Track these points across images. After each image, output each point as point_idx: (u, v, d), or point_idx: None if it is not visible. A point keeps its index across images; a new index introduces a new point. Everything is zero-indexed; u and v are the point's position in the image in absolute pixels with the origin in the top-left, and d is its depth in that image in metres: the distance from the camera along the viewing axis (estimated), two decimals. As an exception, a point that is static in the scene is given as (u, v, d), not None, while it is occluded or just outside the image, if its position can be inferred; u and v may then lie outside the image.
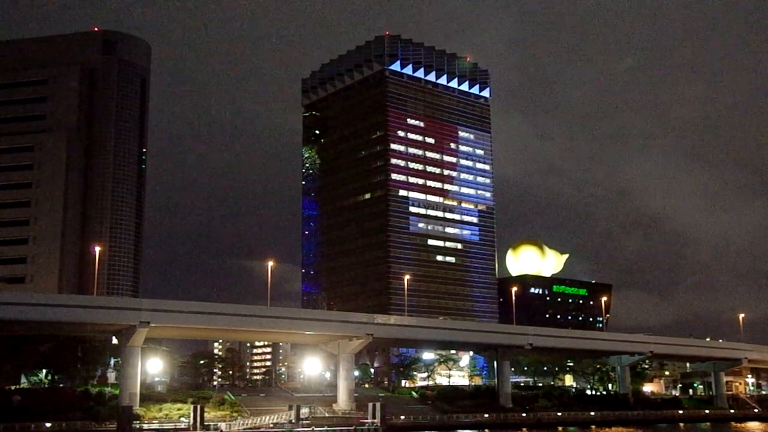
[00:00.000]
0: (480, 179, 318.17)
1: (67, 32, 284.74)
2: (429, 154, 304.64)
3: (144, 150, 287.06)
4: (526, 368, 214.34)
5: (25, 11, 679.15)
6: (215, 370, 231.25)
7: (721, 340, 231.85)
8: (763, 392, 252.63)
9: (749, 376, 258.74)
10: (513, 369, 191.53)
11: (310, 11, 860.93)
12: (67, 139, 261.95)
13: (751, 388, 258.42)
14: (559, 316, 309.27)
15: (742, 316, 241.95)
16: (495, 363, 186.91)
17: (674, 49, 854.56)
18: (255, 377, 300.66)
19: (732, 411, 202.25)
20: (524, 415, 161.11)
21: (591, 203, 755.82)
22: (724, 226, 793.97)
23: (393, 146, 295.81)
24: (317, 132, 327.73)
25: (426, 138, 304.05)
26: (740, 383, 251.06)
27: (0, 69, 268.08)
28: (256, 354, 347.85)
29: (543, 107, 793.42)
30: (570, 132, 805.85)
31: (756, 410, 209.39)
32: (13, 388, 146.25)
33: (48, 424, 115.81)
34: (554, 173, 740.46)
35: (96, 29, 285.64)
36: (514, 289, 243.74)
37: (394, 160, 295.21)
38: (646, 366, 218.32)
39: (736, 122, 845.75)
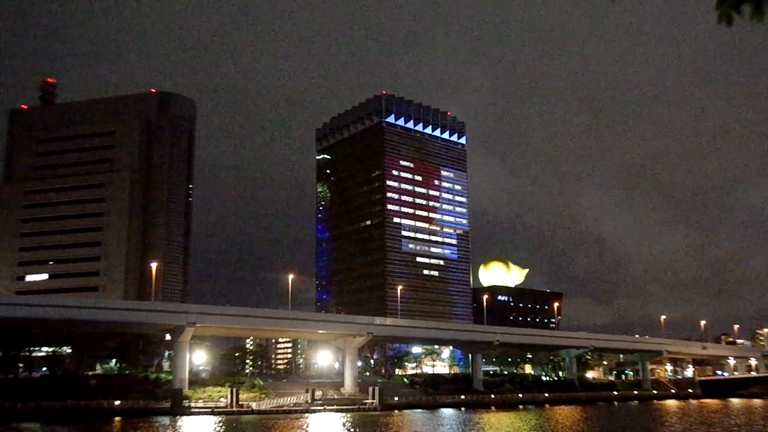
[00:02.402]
0: (458, 209, 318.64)
1: (130, 93, 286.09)
2: (417, 189, 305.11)
3: (191, 186, 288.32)
4: (494, 359, 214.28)
5: (100, 75, 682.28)
6: (247, 361, 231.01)
7: (646, 336, 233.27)
8: (679, 377, 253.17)
9: (668, 364, 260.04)
10: (484, 360, 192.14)
11: (324, 75, 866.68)
12: (130, 178, 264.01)
13: (670, 374, 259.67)
14: (521, 318, 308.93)
15: (663, 317, 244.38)
16: (470, 355, 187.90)
17: (616, 109, 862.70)
18: (279, 367, 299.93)
19: (655, 392, 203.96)
20: (493, 396, 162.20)
21: (548, 228, 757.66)
22: (652, 247, 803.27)
23: (389, 183, 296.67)
24: (328, 171, 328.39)
25: (415, 176, 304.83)
26: (661, 370, 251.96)
27: (79, 122, 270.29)
28: (280, 348, 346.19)
29: (510, 150, 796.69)
30: (532, 170, 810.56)
31: (673, 391, 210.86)
32: (90, 373, 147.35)
33: (117, 402, 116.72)
34: (519, 204, 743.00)
35: (153, 91, 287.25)
36: (485, 296, 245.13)
37: (389, 194, 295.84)
38: (589, 357, 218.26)
39: (662, 164, 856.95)
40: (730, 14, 6.24)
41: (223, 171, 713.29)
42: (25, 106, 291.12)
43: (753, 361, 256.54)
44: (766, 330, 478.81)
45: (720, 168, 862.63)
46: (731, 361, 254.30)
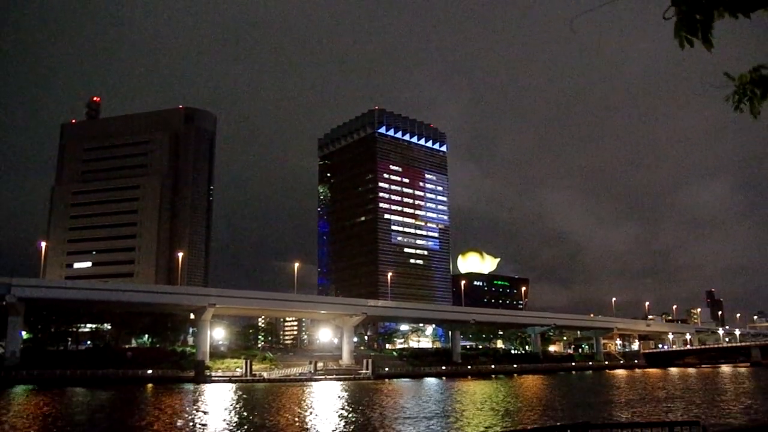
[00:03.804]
0: (440, 207, 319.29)
1: (161, 108, 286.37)
2: (405, 190, 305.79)
3: (211, 187, 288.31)
4: (471, 336, 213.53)
5: (135, 92, 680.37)
6: (259, 337, 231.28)
7: (600, 316, 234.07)
8: (627, 350, 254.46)
9: (618, 339, 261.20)
10: (462, 336, 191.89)
11: (326, 92, 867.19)
12: (161, 181, 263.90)
13: (619, 347, 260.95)
14: (493, 301, 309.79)
15: (614, 299, 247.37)
16: (450, 332, 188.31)
17: (576, 119, 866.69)
18: (286, 342, 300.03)
19: (606, 363, 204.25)
20: (469, 367, 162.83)
21: (518, 223, 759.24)
22: (605, 239, 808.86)
23: (380, 184, 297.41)
24: (328, 174, 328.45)
25: (403, 179, 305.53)
26: (612, 344, 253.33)
27: (118, 134, 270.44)
28: (287, 326, 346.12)
29: (486, 156, 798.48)
30: (504, 173, 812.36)
31: (621, 362, 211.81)
32: (126, 347, 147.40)
33: (149, 371, 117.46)
34: (493, 202, 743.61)
35: (180, 107, 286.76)
36: (463, 282, 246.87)
37: (381, 194, 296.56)
38: (551, 333, 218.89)
39: (615, 167, 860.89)
40: (689, 39, 6.31)
41: (239, 174, 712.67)
42: (74, 121, 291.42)
43: (688, 336, 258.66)
44: (699, 310, 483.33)
45: (665, 171, 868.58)
46: (670, 336, 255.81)
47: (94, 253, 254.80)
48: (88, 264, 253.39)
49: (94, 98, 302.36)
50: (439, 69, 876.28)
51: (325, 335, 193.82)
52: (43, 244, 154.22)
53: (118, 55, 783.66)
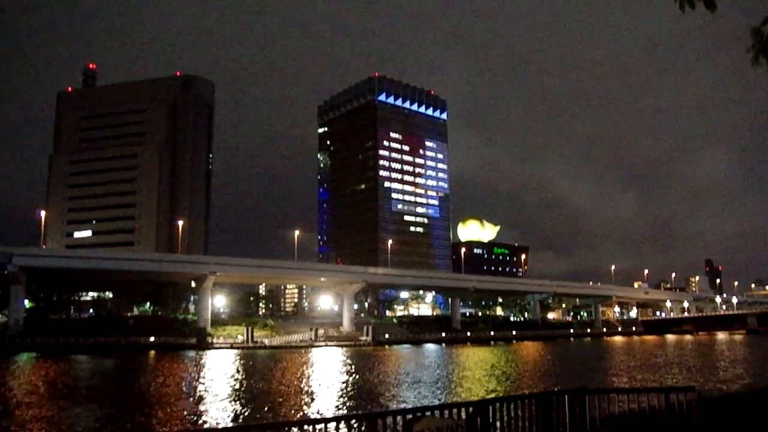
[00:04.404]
0: (440, 174, 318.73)
1: (159, 76, 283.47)
2: (405, 158, 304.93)
3: (211, 155, 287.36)
4: (470, 303, 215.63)
5: (132, 59, 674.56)
6: (260, 304, 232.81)
7: (599, 284, 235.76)
8: (625, 317, 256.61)
9: (616, 307, 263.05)
10: (462, 303, 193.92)
11: (325, 59, 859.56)
12: (159, 149, 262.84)
13: (617, 314, 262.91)
14: (493, 268, 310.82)
15: (613, 267, 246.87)
16: (449, 299, 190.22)
17: (578, 86, 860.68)
18: (287, 309, 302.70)
19: (604, 330, 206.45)
20: (469, 334, 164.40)
21: (518, 190, 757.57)
22: (606, 207, 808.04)
23: (380, 152, 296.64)
24: (328, 142, 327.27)
25: (403, 147, 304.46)
26: (611, 312, 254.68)
27: (115, 102, 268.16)
28: (288, 293, 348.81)
29: (486, 124, 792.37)
30: (505, 141, 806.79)
31: (619, 329, 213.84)
32: (128, 315, 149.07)
33: (151, 339, 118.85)
34: (494, 170, 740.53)
35: (178, 73, 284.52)
36: (463, 249, 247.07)
37: (381, 162, 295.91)
38: (550, 301, 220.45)
39: (618, 135, 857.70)
40: (690, 1, 6.32)
41: (238, 141, 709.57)
42: (71, 89, 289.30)
43: (686, 304, 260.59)
44: (697, 278, 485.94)
45: (668, 140, 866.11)
46: (668, 304, 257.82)
47: (94, 222, 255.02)
48: (88, 233, 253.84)
49: (90, 65, 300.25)
50: (440, 35, 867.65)
51: (325, 302, 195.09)
52: (43, 214, 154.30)
53: (113, 21, 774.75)
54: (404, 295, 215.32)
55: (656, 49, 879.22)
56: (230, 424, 30.93)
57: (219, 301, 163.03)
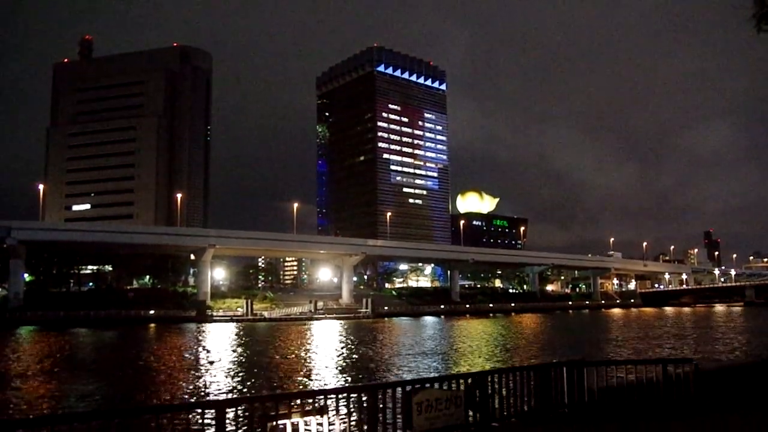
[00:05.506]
0: (439, 146, 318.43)
1: (156, 47, 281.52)
2: (404, 129, 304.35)
3: (209, 127, 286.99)
4: (469, 275, 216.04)
5: (128, 31, 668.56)
6: (259, 277, 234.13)
7: (598, 256, 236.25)
8: (623, 290, 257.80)
9: (615, 279, 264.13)
10: (460, 275, 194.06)
11: (324, 29, 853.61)
12: (157, 121, 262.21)
13: (616, 287, 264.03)
14: (492, 240, 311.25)
15: (612, 239, 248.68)
16: (448, 272, 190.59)
17: (578, 57, 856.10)
18: (286, 282, 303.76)
19: (603, 302, 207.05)
20: (467, 306, 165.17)
21: (518, 162, 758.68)
22: (606, 179, 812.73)
23: (379, 123, 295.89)
24: (327, 113, 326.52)
25: (402, 118, 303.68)
26: (609, 284, 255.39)
27: (112, 74, 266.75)
28: (287, 266, 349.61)
29: (486, 95, 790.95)
30: (505, 112, 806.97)
31: (617, 301, 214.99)
32: (128, 288, 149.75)
33: (151, 312, 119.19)
34: (493, 141, 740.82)
35: (176, 45, 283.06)
36: (462, 222, 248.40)
37: (379, 133, 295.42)
38: (549, 273, 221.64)
39: (617, 108, 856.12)
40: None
41: (237, 113, 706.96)
42: (67, 60, 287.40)
43: (684, 276, 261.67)
44: (696, 250, 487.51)
45: (668, 112, 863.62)
46: (667, 276, 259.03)
47: (92, 195, 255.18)
48: (87, 206, 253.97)
49: (86, 36, 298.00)
50: (439, 4, 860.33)
51: (324, 275, 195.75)
52: (41, 187, 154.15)
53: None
54: (403, 267, 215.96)
55: (658, 18, 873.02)
56: (231, 396, 31.25)
57: (218, 274, 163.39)
